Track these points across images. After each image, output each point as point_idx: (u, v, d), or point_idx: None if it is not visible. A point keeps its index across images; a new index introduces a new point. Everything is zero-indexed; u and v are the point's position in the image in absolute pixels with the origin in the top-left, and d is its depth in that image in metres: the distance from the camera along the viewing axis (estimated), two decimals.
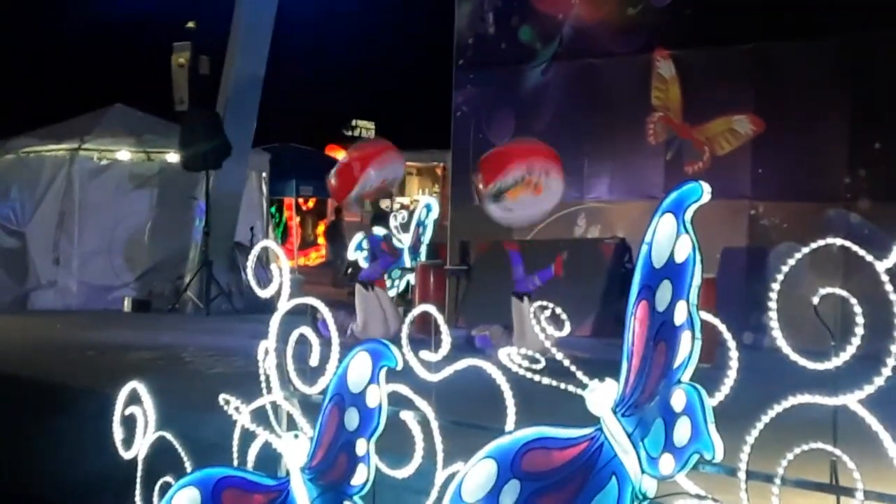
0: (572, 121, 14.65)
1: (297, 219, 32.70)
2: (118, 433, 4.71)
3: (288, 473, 4.11)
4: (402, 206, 19.38)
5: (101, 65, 31.97)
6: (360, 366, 3.89)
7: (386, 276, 13.00)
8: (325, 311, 4.22)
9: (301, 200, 33.00)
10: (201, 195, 16.87)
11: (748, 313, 10.78)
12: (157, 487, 4.52)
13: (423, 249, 13.61)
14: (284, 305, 4.24)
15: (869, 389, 2.94)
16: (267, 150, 20.43)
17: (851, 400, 2.97)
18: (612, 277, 12.73)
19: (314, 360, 4.08)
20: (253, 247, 4.45)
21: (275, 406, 4.30)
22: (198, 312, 16.07)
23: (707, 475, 3.24)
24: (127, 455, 4.69)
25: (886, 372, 2.92)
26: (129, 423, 4.69)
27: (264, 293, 4.27)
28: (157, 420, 4.63)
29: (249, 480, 4.27)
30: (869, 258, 2.95)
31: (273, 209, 25.41)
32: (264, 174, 19.37)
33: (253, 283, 4.39)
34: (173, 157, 17.36)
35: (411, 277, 13.46)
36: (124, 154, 17.86)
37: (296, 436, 4.11)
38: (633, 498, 3.22)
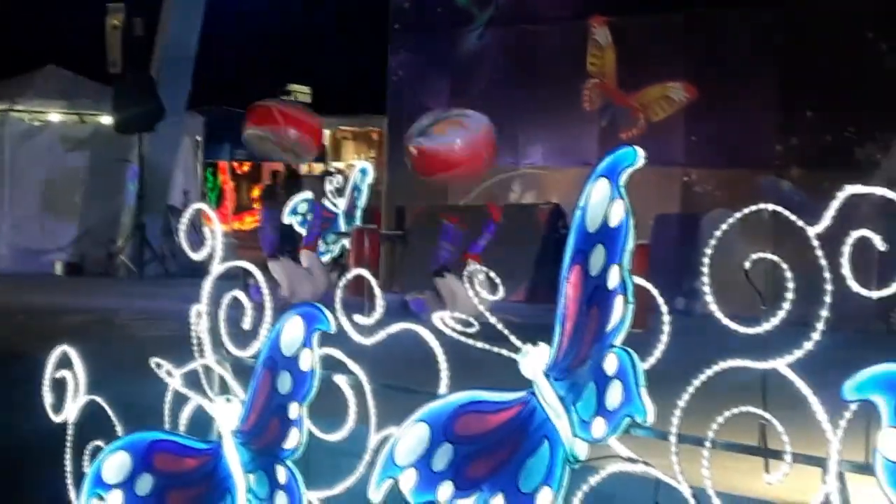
0: (508, 87, 14.66)
1: (232, 183, 32.51)
2: (48, 397, 4.66)
3: (220, 437, 4.09)
4: (338, 171, 19.27)
5: (32, 25, 31.49)
6: (292, 329, 3.87)
7: (320, 241, 12.99)
8: (257, 275, 4.19)
9: (236, 164, 32.83)
10: (135, 158, 16.72)
11: (680, 279, 10.88)
12: (87, 452, 4.48)
13: (358, 214, 13.58)
14: (217, 269, 4.21)
15: (798, 354, 2.97)
16: (201, 113, 20.26)
17: (781, 364, 3.00)
18: (546, 243, 12.79)
19: (247, 324, 4.06)
20: (187, 210, 4.40)
21: (207, 370, 4.28)
22: (131, 276, 15.97)
23: (638, 439, 3.27)
24: (57, 419, 4.65)
25: (815, 336, 2.95)
26: (60, 387, 4.65)
27: (197, 256, 4.24)
28: (87, 384, 4.59)
29: (181, 444, 4.24)
30: (800, 223, 2.97)
31: (208, 173, 25.23)
32: (198, 137, 19.23)
33: (186, 246, 4.35)
34: (106, 120, 17.17)
35: (346, 242, 13.44)
36: (56, 116, 17.65)
37: (228, 399, 4.09)
38: (566, 461, 3.24)
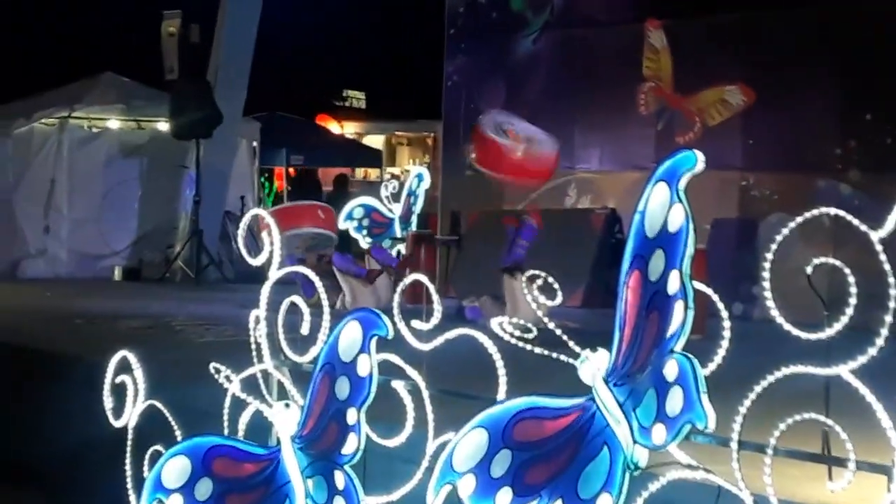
0: (563, 91, 14.63)
1: (289, 188, 32.63)
2: (108, 402, 4.70)
3: (278, 442, 4.10)
4: (393, 176, 19.33)
5: (89, 33, 31.80)
6: (350, 335, 3.88)
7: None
8: (314, 279, 4.20)
9: (292, 170, 32.95)
10: (191, 164, 16.83)
11: (738, 284, 10.79)
12: (147, 456, 4.51)
13: (414, 219, 13.60)
14: (275, 274, 4.23)
15: (861, 360, 2.93)
16: (257, 119, 20.38)
17: (844, 370, 2.96)
18: (602, 248, 12.74)
19: (305, 329, 4.07)
20: (243, 216, 4.43)
21: (266, 375, 4.30)
22: (188, 282, 16.06)
23: (699, 445, 3.24)
24: (117, 424, 4.68)
25: (879, 342, 2.92)
26: (120, 391, 4.68)
27: (255, 261, 4.26)
28: (147, 389, 4.62)
29: (240, 449, 4.26)
30: (863, 227, 2.93)
31: (263, 179, 25.35)
32: (255, 143, 19.33)
33: (243, 252, 4.38)
34: (163, 126, 17.31)
35: (402, 248, 13.46)
36: (114, 122, 17.81)
37: (286, 405, 4.10)
38: (625, 468, 3.22)
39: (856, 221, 2.96)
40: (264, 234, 4.26)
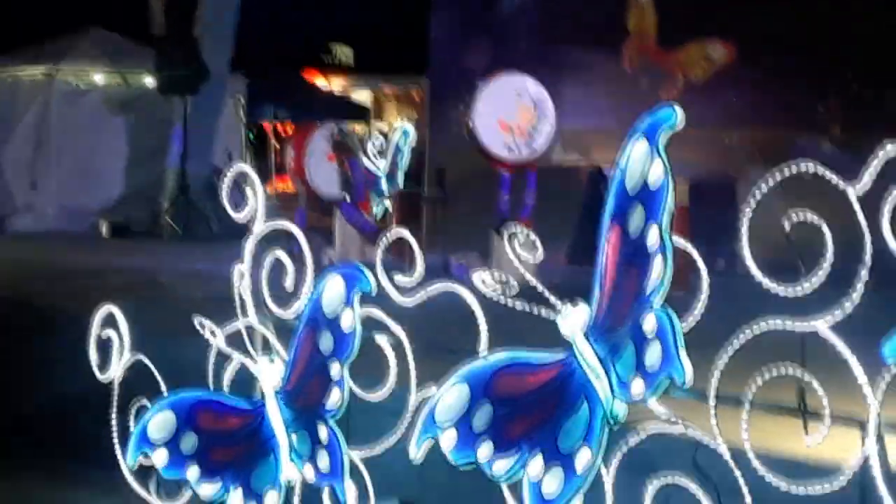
0: (548, 47, 14.60)
1: (276, 145, 32.52)
2: (93, 356, 4.73)
3: (263, 396, 4.14)
4: (379, 132, 19.27)
5: None
6: (334, 289, 3.90)
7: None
8: (298, 234, 4.21)
9: (279, 125, 32.81)
10: (179, 119, 16.79)
11: (721, 240, 10.82)
12: (132, 410, 4.54)
13: (400, 176, 13.56)
14: (259, 229, 4.25)
15: (837, 314, 2.97)
16: (244, 74, 20.29)
17: (820, 325, 3.00)
18: (588, 205, 12.74)
19: (289, 284, 4.09)
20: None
21: (250, 330, 4.32)
22: (175, 237, 16.06)
23: (677, 399, 3.27)
24: (103, 377, 4.71)
25: (855, 297, 2.95)
26: (105, 346, 4.71)
27: (239, 217, 4.28)
28: (132, 343, 4.65)
29: (225, 403, 4.30)
30: (839, 183, 2.96)
31: (251, 134, 25.25)
32: (241, 98, 19.27)
33: (228, 207, 4.39)
34: (150, 82, 17.25)
35: (388, 204, 13.43)
36: (101, 78, 17.74)
37: (271, 359, 4.13)
38: (605, 422, 3.25)
39: (833, 176, 2.98)
40: (248, 190, 4.27)
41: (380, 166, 13.43)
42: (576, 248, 11.81)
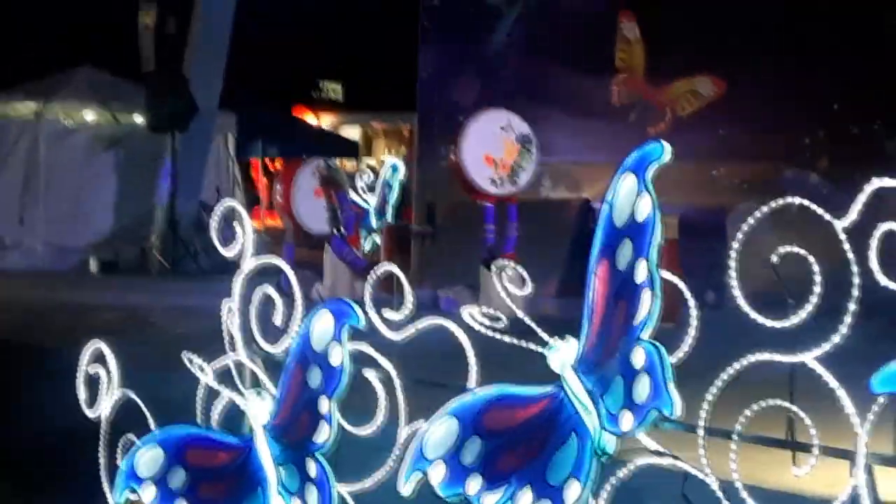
0: (537, 82, 14.67)
1: (265, 180, 32.57)
2: (82, 392, 4.71)
3: (252, 432, 4.13)
4: (369, 167, 19.32)
5: (65, 24, 31.62)
6: (322, 324, 3.90)
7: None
8: (287, 270, 4.21)
9: (268, 161, 32.89)
10: (168, 156, 16.82)
11: (710, 273, 10.84)
12: (120, 445, 4.52)
13: (390, 210, 13.60)
14: (247, 264, 4.25)
15: (826, 347, 2.98)
16: (233, 111, 20.34)
17: (809, 357, 3.01)
18: (576, 238, 12.77)
19: (278, 320, 4.09)
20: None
21: (239, 365, 4.31)
22: (164, 273, 16.05)
23: (667, 432, 3.28)
24: (91, 414, 4.70)
25: (843, 330, 2.96)
26: (94, 382, 4.69)
27: (228, 252, 4.28)
28: (120, 379, 4.64)
29: (213, 439, 4.28)
30: (827, 216, 2.98)
31: (241, 172, 25.28)
32: (230, 135, 19.32)
33: (217, 243, 4.39)
34: (140, 119, 17.29)
35: (377, 239, 13.46)
36: (91, 116, 17.77)
37: (259, 394, 4.12)
38: (594, 454, 3.25)
39: (820, 210, 3.00)
40: (236, 225, 4.28)
41: (369, 201, 13.48)
42: (565, 282, 11.84)
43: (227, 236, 4.36)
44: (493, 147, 11.34)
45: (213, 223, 4.36)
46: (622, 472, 3.29)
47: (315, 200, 12.93)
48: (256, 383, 4.24)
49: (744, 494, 3.10)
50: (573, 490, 3.26)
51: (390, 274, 3.89)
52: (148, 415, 4.54)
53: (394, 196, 13.63)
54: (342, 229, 12.76)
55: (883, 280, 2.87)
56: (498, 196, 11.22)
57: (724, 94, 13.07)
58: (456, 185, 12.25)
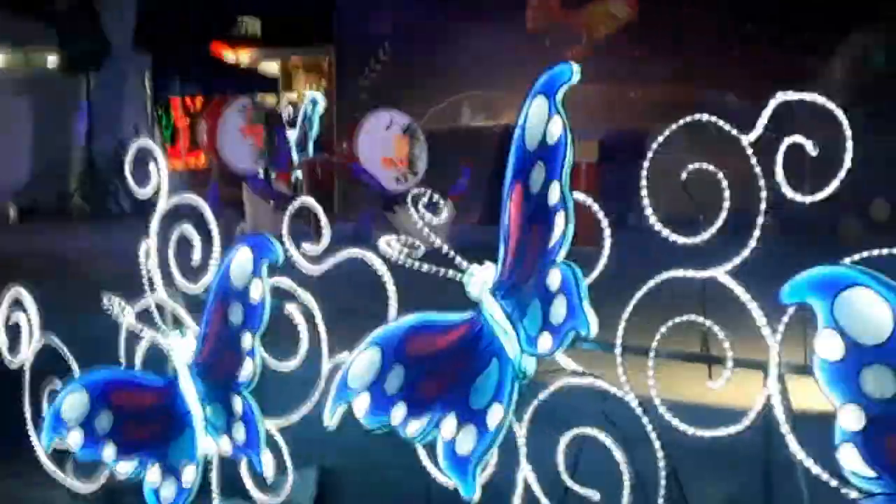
0: (452, 11, 14.58)
1: (186, 119, 32.11)
2: (2, 339, 4.67)
3: (175, 371, 4.12)
4: (289, 102, 19.15)
5: None
6: (242, 261, 3.88)
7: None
8: (204, 209, 4.17)
9: (188, 100, 32.39)
10: (83, 97, 16.57)
11: (631, 195, 10.92)
12: (45, 393, 4.49)
13: (310, 145, 13.51)
14: (164, 204, 4.22)
15: (735, 261, 3.02)
16: (149, 49, 20.02)
17: (720, 272, 3.05)
18: (497, 165, 12.76)
19: (196, 258, 4.07)
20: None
21: (159, 305, 4.29)
22: (84, 216, 15.88)
23: (586, 352, 3.32)
24: (13, 361, 4.66)
25: (752, 244, 3.00)
26: (14, 330, 4.65)
27: (142, 192, 4.24)
28: (42, 325, 4.61)
29: (138, 380, 4.28)
30: (733, 131, 3.01)
31: (160, 111, 24.96)
32: (147, 73, 19.05)
33: (131, 183, 4.34)
34: (53, 60, 17.00)
35: (299, 173, 13.40)
36: (2, 59, 17.44)
37: (181, 334, 4.11)
38: (515, 377, 3.29)
39: (727, 126, 3.03)
40: (151, 165, 4.24)
41: (290, 136, 13.39)
42: (488, 209, 11.88)
43: (143, 176, 4.32)
44: (386, 149, 11.85)
45: (127, 163, 4.32)
46: (543, 394, 3.33)
47: (242, 139, 12.89)
48: (178, 323, 4.22)
49: (662, 410, 3.15)
50: (496, 413, 3.30)
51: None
52: (70, 359, 4.51)
53: (314, 130, 13.54)
54: (274, 166, 12.79)
55: (789, 192, 2.91)
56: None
57: (639, 18, 13.07)
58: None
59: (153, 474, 4.11)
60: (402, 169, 11.75)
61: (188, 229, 4.11)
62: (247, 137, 12.88)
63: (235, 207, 12.28)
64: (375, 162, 11.84)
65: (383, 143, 11.92)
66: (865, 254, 2.73)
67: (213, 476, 4.05)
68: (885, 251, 2.73)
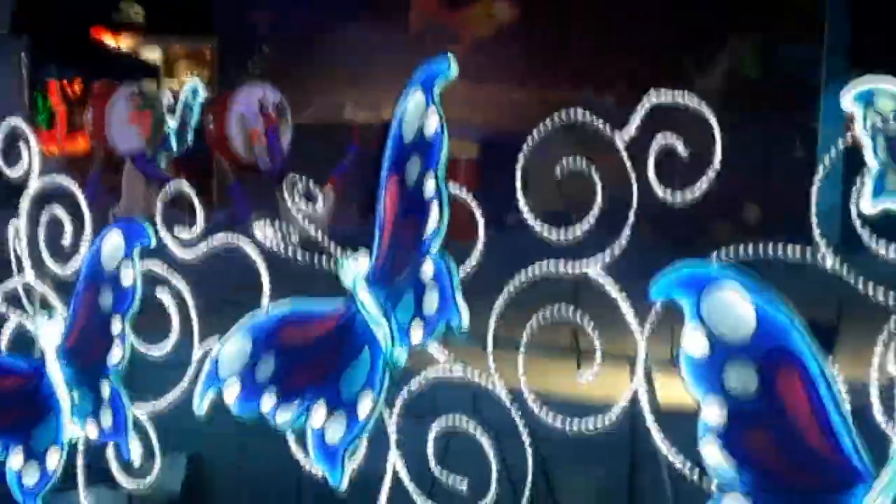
0: (332, 7, 14.55)
1: (64, 105, 31.53)
2: None
3: (42, 355, 4.05)
4: (170, 90, 18.93)
5: None
6: (113, 244, 3.83)
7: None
8: (76, 190, 4.10)
9: (66, 84, 31.83)
10: None
11: (508, 193, 11.01)
12: None
13: (190, 133, 13.41)
14: (33, 184, 4.14)
15: (606, 257, 3.06)
16: (26, 32, 19.65)
17: (592, 267, 3.09)
18: (377, 159, 12.79)
19: (67, 240, 4.01)
20: None
21: (27, 288, 4.22)
22: None
23: (459, 346, 3.33)
24: None
25: (622, 241, 3.05)
26: None
27: (12, 173, 4.17)
28: None
29: (3, 364, 4.19)
30: (607, 129, 3.05)
31: (38, 95, 24.49)
32: (23, 56, 18.69)
33: (1, 165, 4.26)
34: None
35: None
36: None
37: (49, 316, 4.04)
38: (385, 367, 3.29)
39: (599, 123, 3.07)
40: (22, 146, 4.16)
41: (170, 124, 13.30)
42: (365, 202, 11.91)
43: (14, 157, 4.23)
44: (256, 123, 12.16)
45: None
46: (414, 384, 3.35)
47: (129, 126, 12.90)
48: (46, 306, 4.15)
49: (531, 401, 3.18)
50: (366, 402, 3.30)
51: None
52: None
53: (194, 118, 13.44)
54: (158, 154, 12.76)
55: (659, 191, 2.96)
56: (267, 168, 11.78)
57: (520, 19, 13.18)
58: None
59: (16, 459, 4.03)
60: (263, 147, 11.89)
61: (59, 211, 4.04)
62: (133, 125, 12.86)
63: (116, 193, 12.18)
64: (242, 135, 11.89)
65: (254, 117, 12.15)
66: (732, 253, 2.78)
67: (79, 461, 3.99)
68: (750, 251, 2.79)
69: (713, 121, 2.95)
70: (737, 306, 2.67)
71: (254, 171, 12.04)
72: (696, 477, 2.81)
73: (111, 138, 12.91)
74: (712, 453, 2.72)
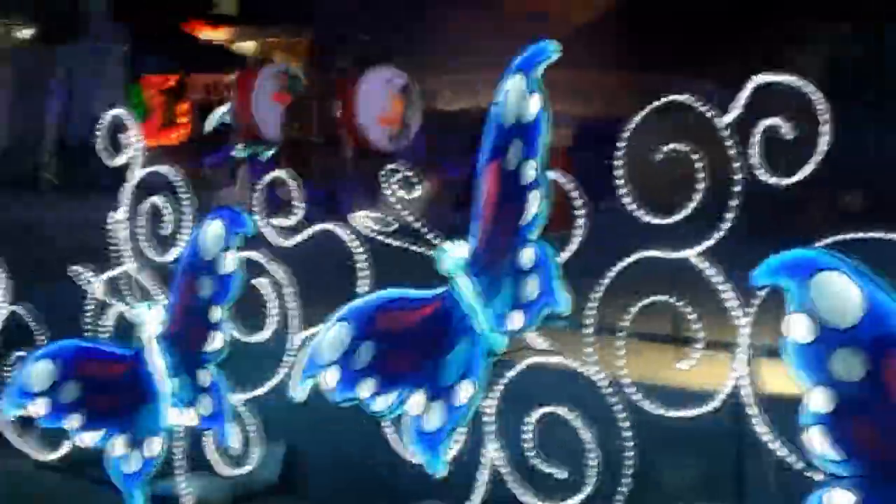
0: None
1: (160, 97, 31.90)
2: None
3: (143, 343, 4.08)
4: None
5: None
6: (213, 233, 3.86)
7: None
8: (174, 178, 4.11)
9: (162, 78, 32.21)
10: (59, 71, 16.50)
11: (604, 179, 10.92)
12: (10, 362, 4.45)
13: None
14: (135, 175, 4.18)
15: (708, 243, 3.01)
16: (125, 25, 19.92)
17: (692, 254, 3.04)
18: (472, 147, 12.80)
19: (167, 229, 4.04)
20: None
21: (128, 276, 4.25)
22: (57, 189, 15.81)
23: (556, 332, 3.30)
24: None
25: (725, 226, 3.00)
26: None
27: (113, 162, 4.21)
28: (10, 295, 4.58)
29: (105, 351, 4.23)
30: (709, 113, 3.00)
31: (133, 88, 24.83)
32: (123, 49, 18.96)
33: (103, 155, 4.30)
34: (30, 33, 16.90)
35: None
36: None
37: (149, 305, 4.08)
38: (485, 355, 3.27)
39: (703, 108, 3.02)
40: (123, 137, 4.21)
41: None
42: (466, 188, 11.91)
43: (116, 148, 4.27)
44: (384, 107, 12.14)
45: (100, 133, 4.28)
46: (513, 371, 3.32)
47: (274, 105, 13.25)
48: (146, 294, 4.19)
49: (629, 390, 3.14)
50: (465, 390, 3.29)
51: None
52: (37, 329, 4.48)
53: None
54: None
55: (763, 175, 2.91)
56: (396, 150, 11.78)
57: (619, 3, 13.10)
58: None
59: (118, 445, 4.07)
60: (394, 130, 11.88)
61: (159, 201, 4.07)
62: (276, 102, 13.17)
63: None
64: (371, 118, 12.07)
65: (381, 100, 12.19)
66: (838, 237, 2.72)
67: (179, 448, 4.02)
68: (856, 235, 2.72)
69: (821, 103, 2.88)
70: (845, 292, 2.62)
71: (381, 157, 12.00)
72: (800, 466, 2.76)
73: (259, 119, 13.22)
74: (818, 440, 2.66)
